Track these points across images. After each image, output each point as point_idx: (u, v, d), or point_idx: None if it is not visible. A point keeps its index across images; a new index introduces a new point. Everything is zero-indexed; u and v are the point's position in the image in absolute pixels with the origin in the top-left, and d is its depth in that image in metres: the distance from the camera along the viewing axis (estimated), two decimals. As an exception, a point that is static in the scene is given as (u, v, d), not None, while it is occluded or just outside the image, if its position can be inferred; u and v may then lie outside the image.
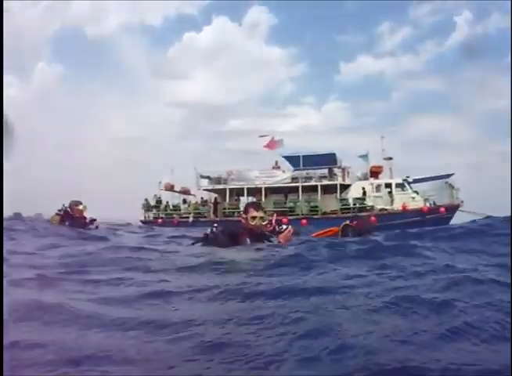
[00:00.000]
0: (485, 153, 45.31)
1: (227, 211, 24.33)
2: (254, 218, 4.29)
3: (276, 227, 5.40)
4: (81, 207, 8.18)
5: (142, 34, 69.38)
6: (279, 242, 4.31)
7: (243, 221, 4.41)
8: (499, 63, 52.13)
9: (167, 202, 25.56)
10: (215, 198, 25.03)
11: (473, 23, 49.56)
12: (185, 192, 25.63)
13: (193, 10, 75.28)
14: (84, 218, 7.93)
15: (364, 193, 23.01)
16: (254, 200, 23.84)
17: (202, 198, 25.71)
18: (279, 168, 24.94)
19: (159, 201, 25.49)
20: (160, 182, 25.02)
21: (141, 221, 25.27)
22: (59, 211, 8.35)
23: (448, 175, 23.90)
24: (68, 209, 8.18)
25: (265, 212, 4.55)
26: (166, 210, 25.33)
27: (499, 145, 43.89)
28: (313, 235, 9.35)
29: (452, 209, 23.31)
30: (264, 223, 4.42)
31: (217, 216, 24.17)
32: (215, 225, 4.94)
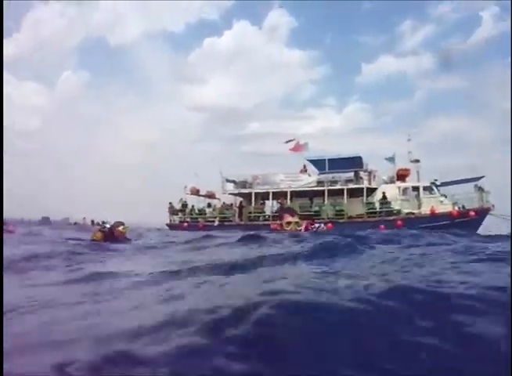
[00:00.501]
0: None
1: (252, 215, 24.39)
2: (289, 223, 4.41)
3: (310, 228, 5.48)
4: (121, 228, 8.24)
5: (164, 40, 70.63)
6: None
7: (278, 227, 4.52)
8: None
9: (193, 206, 25.81)
10: (240, 202, 25.15)
11: (497, 19, 48.15)
12: (211, 196, 25.84)
13: (214, 15, 76.05)
14: (126, 239, 8.06)
15: (384, 197, 22.72)
16: (278, 204, 23.92)
17: (224, 203, 25.86)
18: (306, 171, 24.89)
19: (185, 205, 25.76)
20: (185, 187, 25.31)
21: (167, 225, 25.62)
22: (103, 228, 8.46)
23: (478, 178, 23.37)
24: (112, 229, 8.25)
25: (299, 217, 4.63)
26: (191, 214, 25.58)
27: None
28: None
29: (483, 213, 22.79)
30: (299, 228, 4.52)
31: (242, 220, 24.28)
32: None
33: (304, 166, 24.96)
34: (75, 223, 30.23)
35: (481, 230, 22.27)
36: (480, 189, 23.29)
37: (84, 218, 30.21)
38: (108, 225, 8.51)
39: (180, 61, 64.79)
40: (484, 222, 22.82)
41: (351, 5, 57.16)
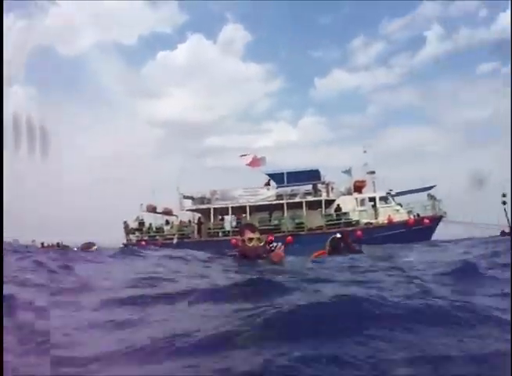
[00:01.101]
0: (463, 163, 46.29)
1: (212, 231, 23.98)
2: (251, 239, 4.17)
3: (267, 246, 5.25)
4: (94, 248, 8.14)
5: (116, 52, 67.94)
6: (273, 262, 4.09)
7: (240, 243, 4.28)
8: (468, 75, 53.79)
9: (150, 224, 25.03)
10: (199, 218, 24.65)
11: (443, 37, 50.96)
12: (168, 213, 25.14)
13: (167, 28, 74.34)
14: None
15: (338, 209, 23.03)
16: (236, 219, 23.70)
17: (181, 220, 25.25)
18: (269, 185, 24.73)
19: (141, 223, 24.93)
20: (141, 204, 24.49)
21: (123, 244, 24.64)
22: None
23: (430, 187, 24.18)
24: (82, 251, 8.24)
25: (260, 232, 4.47)
26: (149, 232, 24.79)
27: (475, 155, 45.01)
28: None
29: (436, 220, 23.57)
30: (261, 244, 4.33)
31: (201, 236, 23.82)
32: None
33: (269, 180, 24.81)
34: (27, 246, 28.53)
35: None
36: (432, 197, 24.14)
37: (33, 240, 28.54)
38: (75, 249, 8.53)
39: (134, 74, 62.58)
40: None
41: (305, 20, 58.24)
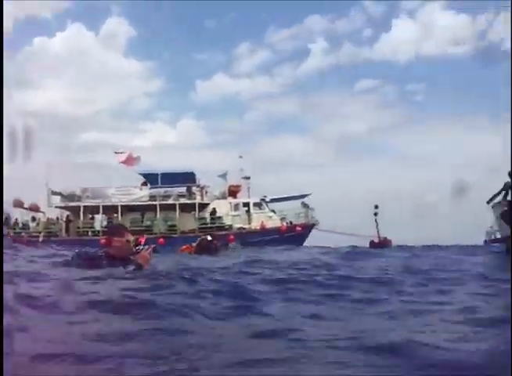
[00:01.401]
0: (337, 173, 48.58)
1: (81, 230, 23.23)
2: (129, 241, 4.23)
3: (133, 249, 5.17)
4: None
5: None
6: (139, 264, 3.99)
7: (120, 245, 4.22)
8: (349, 90, 56.80)
9: (16, 219, 23.76)
10: (67, 216, 23.76)
11: (328, 51, 53.27)
12: (34, 209, 23.96)
13: (47, 14, 68.41)
14: None
15: (214, 213, 23.31)
16: (108, 218, 23.17)
17: (48, 217, 24.22)
18: (146, 185, 24.38)
19: (7, 219, 23.54)
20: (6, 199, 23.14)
21: (-15, 240, 23.19)
22: None
23: (305, 195, 25.12)
24: None
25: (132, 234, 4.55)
26: (14, 228, 23.50)
27: (350, 166, 47.51)
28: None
29: (308, 228, 24.50)
30: (133, 245, 4.40)
31: (69, 235, 23.00)
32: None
33: (145, 180, 24.44)
34: None
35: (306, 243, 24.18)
36: (306, 206, 25.10)
37: None
38: None
39: (6, 61, 56.95)
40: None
41: (191, 22, 57.86)
